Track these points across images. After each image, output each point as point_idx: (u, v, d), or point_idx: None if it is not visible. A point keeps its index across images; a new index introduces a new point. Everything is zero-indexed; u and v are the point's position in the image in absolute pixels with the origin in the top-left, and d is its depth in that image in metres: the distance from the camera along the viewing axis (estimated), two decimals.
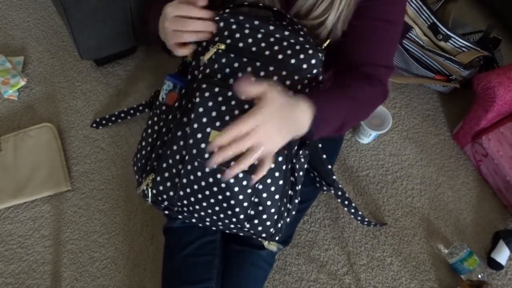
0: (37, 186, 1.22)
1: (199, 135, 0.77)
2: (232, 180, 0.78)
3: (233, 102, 0.76)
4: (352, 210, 1.12)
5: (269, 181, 0.80)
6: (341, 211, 1.29)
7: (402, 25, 0.91)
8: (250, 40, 0.79)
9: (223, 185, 0.79)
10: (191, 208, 0.84)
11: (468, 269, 1.19)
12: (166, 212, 0.92)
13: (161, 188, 0.84)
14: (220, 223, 0.86)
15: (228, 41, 0.79)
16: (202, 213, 0.85)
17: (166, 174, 0.83)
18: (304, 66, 0.78)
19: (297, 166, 0.86)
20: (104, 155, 1.31)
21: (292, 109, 0.70)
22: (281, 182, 0.81)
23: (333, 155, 1.21)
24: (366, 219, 1.18)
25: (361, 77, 0.86)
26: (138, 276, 1.16)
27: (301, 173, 0.88)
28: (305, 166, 0.89)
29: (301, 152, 0.85)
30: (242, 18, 0.79)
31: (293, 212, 0.91)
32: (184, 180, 0.81)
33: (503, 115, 1.38)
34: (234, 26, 0.79)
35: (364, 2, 0.84)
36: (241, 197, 0.80)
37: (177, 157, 0.81)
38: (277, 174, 0.80)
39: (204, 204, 0.82)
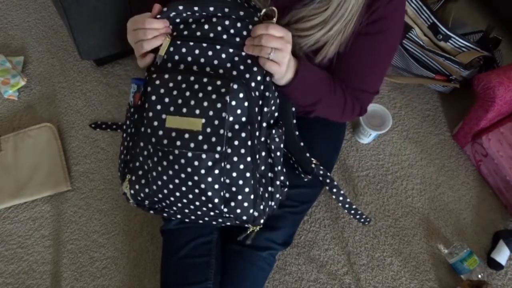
0: (37, 186, 1.22)
1: (155, 123, 0.79)
2: (196, 163, 0.79)
3: (183, 85, 0.78)
4: (341, 198, 1.08)
5: (235, 159, 0.81)
6: (341, 211, 1.29)
7: (397, 49, 0.96)
8: (193, 26, 0.81)
9: (189, 169, 0.80)
10: (167, 201, 0.86)
11: (468, 269, 1.19)
12: (151, 212, 0.93)
13: (137, 187, 0.86)
14: (199, 212, 0.87)
15: (174, 33, 0.81)
16: (179, 204, 0.86)
17: (140, 172, 0.85)
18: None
19: (273, 146, 0.87)
20: (104, 155, 1.31)
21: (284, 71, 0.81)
22: (248, 158, 0.82)
23: (334, 154, 1.21)
24: (354, 207, 1.12)
25: (351, 93, 0.95)
26: (138, 276, 1.16)
27: (278, 154, 0.89)
28: (281, 146, 0.89)
29: (274, 131, 0.86)
30: (181, 8, 0.80)
31: (278, 195, 0.91)
32: (154, 173, 0.82)
33: (503, 115, 1.38)
34: (177, 20, 0.81)
35: (364, 30, 0.86)
36: (209, 179, 0.81)
37: (145, 153, 0.83)
38: (242, 151, 0.81)
39: (178, 194, 0.83)
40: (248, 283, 1.02)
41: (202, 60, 0.80)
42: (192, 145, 0.78)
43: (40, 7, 1.54)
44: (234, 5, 0.80)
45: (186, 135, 0.78)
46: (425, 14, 1.40)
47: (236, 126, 0.80)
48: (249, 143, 0.81)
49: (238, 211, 0.85)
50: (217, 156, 0.79)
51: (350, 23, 0.84)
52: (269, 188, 0.88)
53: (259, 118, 0.82)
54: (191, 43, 0.80)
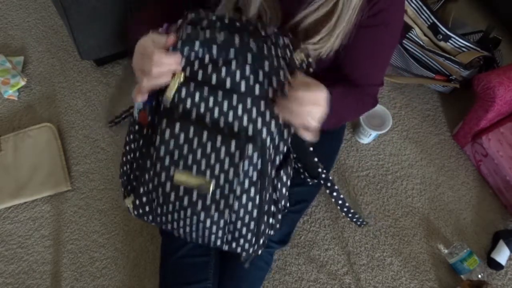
0: (37, 186, 1.22)
1: (163, 176, 0.75)
2: (202, 216, 0.78)
3: (195, 143, 0.73)
4: (340, 202, 1.09)
5: (242, 213, 0.79)
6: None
7: (398, 42, 0.96)
8: (209, 69, 0.72)
9: (195, 219, 0.79)
10: (171, 230, 0.86)
11: (468, 269, 1.19)
12: (153, 224, 0.93)
13: (141, 211, 0.85)
14: (200, 242, 0.88)
15: (188, 69, 0.73)
16: (182, 235, 0.86)
17: (144, 199, 0.82)
18: (271, 94, 0.74)
19: (279, 185, 0.85)
20: (104, 155, 1.31)
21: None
22: (255, 212, 0.80)
23: (333, 155, 1.21)
24: (352, 211, 1.13)
25: (359, 91, 0.95)
26: (138, 276, 1.16)
27: (283, 191, 0.87)
28: (288, 182, 0.87)
29: (282, 172, 0.84)
30: (198, 45, 0.72)
31: (278, 225, 0.91)
32: (159, 210, 0.81)
33: (503, 115, 1.38)
34: (191, 58, 0.73)
35: (365, 23, 0.85)
36: (214, 229, 0.81)
37: (150, 185, 0.80)
38: (249, 206, 0.79)
39: (181, 231, 0.84)
40: (247, 282, 1.02)
41: (216, 112, 0.73)
42: (199, 206, 0.76)
43: (40, 7, 1.54)
44: (259, 54, 0.71)
45: (194, 195, 0.76)
46: (425, 14, 1.40)
47: (246, 184, 0.76)
48: (257, 198, 0.79)
49: (239, 250, 0.86)
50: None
51: (353, 15, 0.83)
52: (271, 220, 0.87)
53: (269, 170, 0.79)
54: (206, 91, 0.72)
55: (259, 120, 0.73)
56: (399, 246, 1.26)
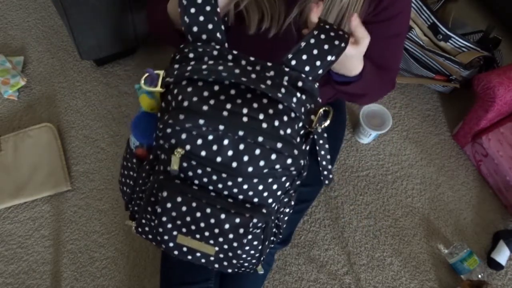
0: (37, 186, 1.22)
1: (165, 237, 0.74)
2: (204, 265, 0.79)
3: (198, 214, 0.70)
4: (321, 141, 1.00)
5: (244, 257, 0.80)
6: (341, 211, 1.29)
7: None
8: (214, 148, 0.65)
9: (198, 263, 0.79)
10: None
11: (468, 269, 1.19)
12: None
13: (144, 236, 0.84)
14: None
15: (188, 147, 0.65)
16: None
17: (147, 228, 0.82)
18: (279, 169, 0.68)
19: (282, 215, 0.84)
20: (104, 155, 1.31)
21: (357, 63, 0.78)
22: (257, 254, 0.81)
23: (333, 154, 1.21)
24: (328, 157, 1.05)
25: (382, 75, 0.96)
26: (138, 276, 1.16)
27: (286, 218, 0.86)
28: (290, 211, 0.86)
29: (285, 207, 0.82)
30: (202, 122, 0.63)
31: (279, 241, 0.91)
32: (162, 247, 0.80)
33: (503, 115, 1.38)
34: (194, 132, 0.64)
35: (379, 18, 0.85)
36: (216, 268, 0.82)
37: (153, 234, 0.80)
38: (252, 251, 0.80)
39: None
40: (248, 282, 1.02)
41: (220, 185, 0.68)
42: (202, 261, 0.76)
43: (40, 7, 1.54)
44: (271, 136, 0.64)
45: (198, 254, 0.75)
46: (425, 14, 1.40)
47: (250, 240, 0.76)
48: (260, 246, 0.79)
49: (240, 272, 0.88)
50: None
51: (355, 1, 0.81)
52: (272, 238, 0.87)
53: (273, 223, 0.78)
54: (209, 169, 0.67)
55: (266, 193, 0.70)
56: (399, 246, 1.27)
